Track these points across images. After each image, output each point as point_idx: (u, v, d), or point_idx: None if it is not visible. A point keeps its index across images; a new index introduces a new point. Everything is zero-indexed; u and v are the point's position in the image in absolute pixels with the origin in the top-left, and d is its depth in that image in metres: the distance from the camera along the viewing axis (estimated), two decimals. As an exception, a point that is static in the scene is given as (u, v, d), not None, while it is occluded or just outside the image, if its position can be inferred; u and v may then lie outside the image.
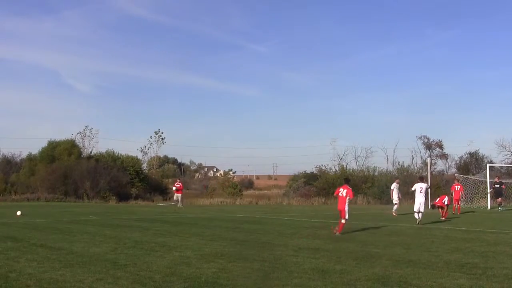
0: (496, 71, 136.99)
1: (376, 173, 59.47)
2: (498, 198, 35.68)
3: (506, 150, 62.40)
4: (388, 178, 55.57)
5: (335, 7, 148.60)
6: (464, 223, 24.70)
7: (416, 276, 10.35)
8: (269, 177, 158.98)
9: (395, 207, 31.82)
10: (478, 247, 15.38)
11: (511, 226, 23.59)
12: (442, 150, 64.99)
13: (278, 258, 12.61)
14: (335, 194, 20.25)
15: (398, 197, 32.60)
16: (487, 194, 40.81)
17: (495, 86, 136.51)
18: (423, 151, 64.44)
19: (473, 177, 45.46)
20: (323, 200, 53.77)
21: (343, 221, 18.89)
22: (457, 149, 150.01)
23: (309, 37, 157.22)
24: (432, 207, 30.38)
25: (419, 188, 24.58)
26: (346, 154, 66.09)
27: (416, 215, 24.22)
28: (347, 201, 18.98)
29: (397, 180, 35.01)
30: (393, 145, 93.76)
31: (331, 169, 61.72)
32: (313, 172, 64.48)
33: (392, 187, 33.13)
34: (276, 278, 10.09)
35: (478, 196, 43.51)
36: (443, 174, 61.07)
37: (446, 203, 27.90)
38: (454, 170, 60.50)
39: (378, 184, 54.26)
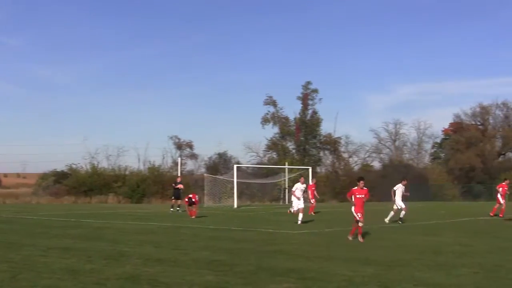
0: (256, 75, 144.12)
1: (127, 172, 59.49)
2: (177, 200, 35.07)
3: (252, 152, 66.70)
4: (139, 177, 55.85)
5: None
6: (212, 222, 25.59)
7: (166, 274, 10.44)
8: (18, 175, 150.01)
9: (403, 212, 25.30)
10: (225, 244, 16.03)
11: (256, 223, 25.01)
12: (192, 150, 67.21)
13: (26, 259, 12.12)
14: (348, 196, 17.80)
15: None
16: (234, 193, 42.82)
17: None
18: (174, 151, 65.89)
19: (221, 177, 47.45)
20: (73, 199, 53.04)
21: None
22: (207, 150, 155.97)
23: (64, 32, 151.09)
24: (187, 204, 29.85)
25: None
26: (98, 153, 64.43)
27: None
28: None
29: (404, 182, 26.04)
30: (145, 145, 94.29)
31: (82, 167, 60.34)
32: (63, 170, 62.38)
33: (395, 188, 25.72)
34: (24, 279, 9.64)
35: (226, 196, 45.56)
36: (193, 173, 63.05)
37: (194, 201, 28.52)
38: (203, 170, 62.65)
39: (129, 183, 54.71)
